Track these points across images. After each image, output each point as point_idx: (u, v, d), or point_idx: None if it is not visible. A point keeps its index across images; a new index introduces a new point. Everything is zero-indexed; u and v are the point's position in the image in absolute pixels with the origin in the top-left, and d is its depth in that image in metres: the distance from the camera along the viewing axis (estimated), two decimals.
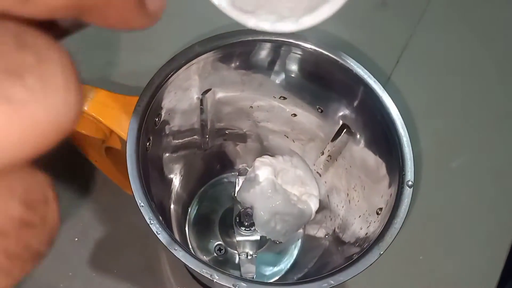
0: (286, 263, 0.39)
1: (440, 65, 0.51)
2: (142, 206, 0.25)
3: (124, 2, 0.11)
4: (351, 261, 0.25)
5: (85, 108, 0.27)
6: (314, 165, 0.38)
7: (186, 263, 0.24)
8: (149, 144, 0.29)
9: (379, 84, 0.29)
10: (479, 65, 0.52)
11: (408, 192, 0.26)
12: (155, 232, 0.24)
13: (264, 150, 0.39)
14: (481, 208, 0.44)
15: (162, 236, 0.24)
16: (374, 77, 0.29)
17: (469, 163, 0.46)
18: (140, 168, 0.26)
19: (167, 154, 0.34)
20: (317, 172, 0.38)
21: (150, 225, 0.24)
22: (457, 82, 0.51)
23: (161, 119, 0.30)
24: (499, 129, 0.48)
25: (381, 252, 0.25)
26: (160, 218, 0.25)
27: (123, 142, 0.28)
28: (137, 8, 0.12)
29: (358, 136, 0.32)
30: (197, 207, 0.40)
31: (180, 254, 0.24)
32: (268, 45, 0.29)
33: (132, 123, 0.26)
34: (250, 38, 0.29)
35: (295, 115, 0.35)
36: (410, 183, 0.26)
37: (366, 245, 0.27)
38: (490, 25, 0.54)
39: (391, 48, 0.51)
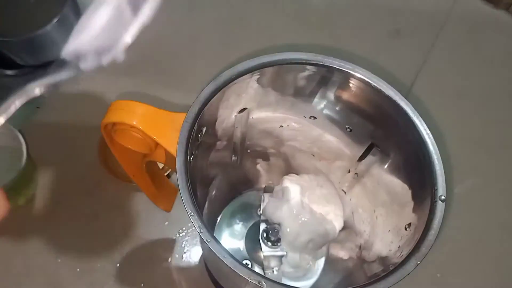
0: (310, 280, 0.40)
1: (451, 90, 0.54)
2: (192, 215, 0.26)
3: None
4: (390, 271, 0.26)
5: (134, 122, 0.29)
6: (339, 183, 0.39)
7: (235, 270, 0.25)
8: (192, 158, 0.30)
9: (410, 104, 0.31)
10: (489, 91, 0.54)
11: (441, 206, 0.28)
12: (205, 240, 0.25)
13: (290, 168, 0.41)
14: (499, 229, 0.46)
15: (212, 244, 0.25)
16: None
17: (482, 185, 0.48)
18: (189, 181, 0.27)
19: (204, 169, 0.35)
20: (342, 190, 0.39)
21: (200, 234, 0.26)
22: (467, 108, 0.53)
23: (203, 135, 0.31)
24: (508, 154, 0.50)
25: (418, 262, 0.26)
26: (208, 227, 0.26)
27: (169, 157, 0.29)
28: None
29: (386, 154, 0.34)
30: (224, 221, 0.42)
31: (228, 261, 0.25)
32: (306, 68, 0.31)
33: (181, 138, 0.28)
34: (290, 60, 0.31)
35: (323, 134, 0.37)
36: (442, 197, 0.28)
37: (397, 260, 0.28)
38: (500, 51, 0.57)
39: (405, 73, 0.53)
